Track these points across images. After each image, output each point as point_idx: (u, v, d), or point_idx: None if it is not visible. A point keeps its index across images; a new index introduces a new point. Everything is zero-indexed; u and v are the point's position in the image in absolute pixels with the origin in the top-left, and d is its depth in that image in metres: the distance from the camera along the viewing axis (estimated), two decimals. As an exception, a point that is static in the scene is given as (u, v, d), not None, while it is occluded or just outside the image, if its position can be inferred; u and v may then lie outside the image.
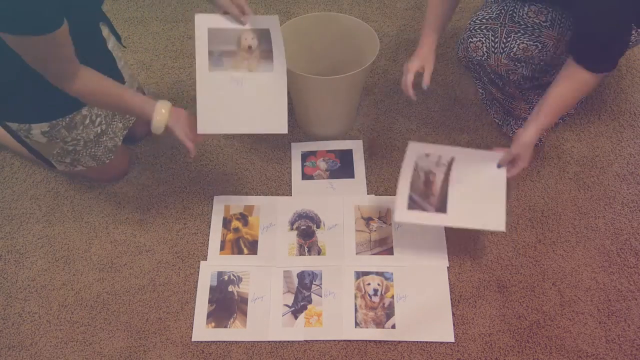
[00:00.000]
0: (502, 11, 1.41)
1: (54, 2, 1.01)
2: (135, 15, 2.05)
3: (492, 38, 1.40)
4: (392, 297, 1.37)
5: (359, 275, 1.40)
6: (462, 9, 2.01)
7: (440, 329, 1.32)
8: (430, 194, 1.36)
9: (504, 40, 1.39)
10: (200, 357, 1.31)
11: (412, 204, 1.34)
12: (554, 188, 1.56)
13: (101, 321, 1.37)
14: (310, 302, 1.37)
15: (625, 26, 1.23)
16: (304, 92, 1.55)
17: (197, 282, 1.41)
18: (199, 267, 1.44)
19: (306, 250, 1.45)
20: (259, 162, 1.65)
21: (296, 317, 1.35)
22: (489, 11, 1.43)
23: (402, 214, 1.34)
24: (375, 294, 1.37)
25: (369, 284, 1.38)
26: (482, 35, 1.41)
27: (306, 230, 1.48)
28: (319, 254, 1.45)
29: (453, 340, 1.31)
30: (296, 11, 2.05)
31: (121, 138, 1.52)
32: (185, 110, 1.36)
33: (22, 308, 1.40)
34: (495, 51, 1.40)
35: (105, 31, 1.38)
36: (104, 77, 1.23)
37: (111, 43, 1.40)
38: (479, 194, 1.34)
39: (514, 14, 1.39)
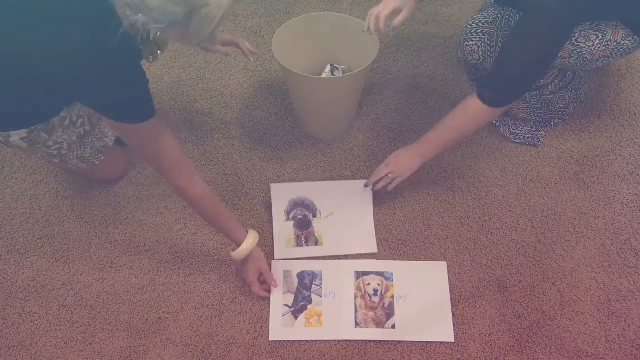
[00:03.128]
0: (499, 15, 1.41)
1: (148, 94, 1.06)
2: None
3: (488, 42, 1.40)
4: (392, 297, 1.37)
5: (359, 275, 1.40)
6: (462, 9, 2.01)
7: (440, 329, 1.32)
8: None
9: (500, 45, 1.39)
10: (200, 357, 1.31)
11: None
12: (554, 188, 1.56)
13: (101, 321, 1.37)
14: (310, 302, 1.37)
15: (540, 65, 1.23)
16: (304, 92, 1.56)
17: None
18: (198, 267, 1.44)
19: (303, 242, 1.46)
20: (259, 162, 1.65)
21: (296, 318, 1.35)
22: (486, 15, 1.43)
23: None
24: (375, 294, 1.37)
25: (369, 284, 1.38)
26: (478, 39, 1.41)
27: (302, 220, 1.49)
28: (316, 244, 1.46)
29: (453, 340, 1.31)
30: (296, 11, 2.05)
31: (112, 139, 1.48)
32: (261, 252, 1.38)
33: (22, 308, 1.40)
34: (491, 55, 1.40)
35: None
36: (211, 190, 1.27)
37: None
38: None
39: (511, 19, 1.39)
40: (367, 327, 1.33)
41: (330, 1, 2.07)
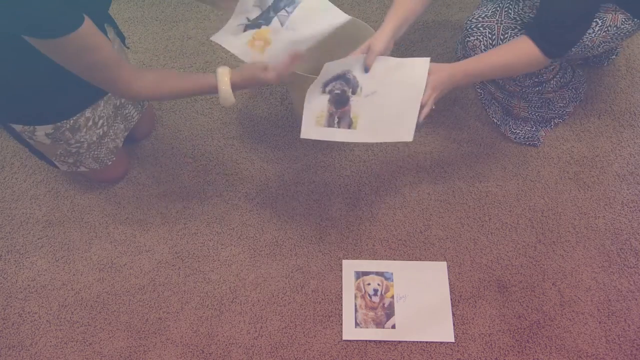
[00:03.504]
0: (498, 8, 1.41)
1: (68, 4, 1.00)
2: (135, 15, 2.05)
3: (490, 35, 1.40)
4: (392, 297, 1.37)
5: (359, 275, 1.40)
6: (462, 9, 2.01)
7: (440, 329, 1.32)
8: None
9: (502, 37, 1.39)
10: (200, 357, 1.31)
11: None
12: (554, 188, 1.56)
13: (101, 321, 1.37)
14: (268, 24, 1.22)
15: (587, 13, 1.23)
16: (304, 92, 1.55)
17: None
18: (198, 267, 1.44)
19: (335, 122, 1.26)
20: (259, 162, 1.65)
21: (244, 31, 1.23)
22: (485, 10, 1.44)
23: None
24: (375, 293, 1.37)
25: (369, 284, 1.38)
26: (479, 34, 1.41)
27: (340, 96, 1.25)
28: (349, 127, 1.26)
29: (453, 340, 1.31)
30: (296, 11, 2.05)
31: (122, 139, 1.53)
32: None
33: (22, 308, 1.40)
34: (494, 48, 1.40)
35: (111, 33, 1.38)
36: (160, 75, 1.22)
37: (116, 45, 1.41)
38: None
39: (510, 10, 1.40)
40: (367, 327, 1.33)
41: (330, 1, 2.07)
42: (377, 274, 1.40)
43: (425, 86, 1.21)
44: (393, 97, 1.24)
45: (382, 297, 1.37)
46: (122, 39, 1.45)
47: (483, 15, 1.42)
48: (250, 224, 1.52)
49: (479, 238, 1.47)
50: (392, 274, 1.40)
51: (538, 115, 1.61)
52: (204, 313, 1.38)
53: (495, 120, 1.66)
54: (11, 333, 1.36)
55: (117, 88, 1.18)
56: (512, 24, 1.39)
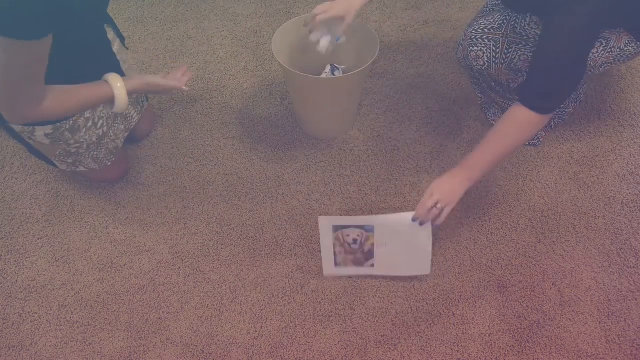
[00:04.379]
0: (505, 21, 1.40)
1: (44, 13, 0.97)
2: (135, 15, 2.05)
3: (494, 48, 1.40)
4: (372, 244, 1.35)
5: (338, 228, 1.36)
6: (462, 9, 2.01)
7: (418, 264, 1.33)
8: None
9: (505, 51, 1.39)
10: (200, 357, 1.31)
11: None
12: (554, 188, 1.56)
13: (101, 321, 1.37)
14: None
15: (578, 66, 1.19)
16: (304, 92, 1.56)
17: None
18: (198, 267, 1.44)
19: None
20: (259, 162, 1.65)
21: None
22: (491, 20, 1.42)
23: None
24: (355, 242, 1.35)
25: (348, 235, 1.35)
26: (483, 45, 1.41)
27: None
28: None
29: (429, 273, 1.32)
30: (296, 11, 2.06)
31: (122, 140, 1.53)
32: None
33: (22, 308, 1.40)
34: (497, 61, 1.40)
35: (110, 34, 1.38)
36: (60, 92, 1.17)
37: (116, 46, 1.41)
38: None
39: (516, 25, 1.39)
40: (346, 266, 1.38)
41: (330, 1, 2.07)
42: (357, 227, 1.35)
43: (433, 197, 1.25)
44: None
45: (362, 245, 1.35)
46: (122, 39, 1.45)
47: (489, 27, 1.41)
48: (250, 224, 1.52)
49: (479, 238, 1.47)
50: (372, 226, 1.35)
51: (538, 115, 1.61)
52: (204, 313, 1.38)
53: (495, 123, 1.66)
54: (11, 333, 1.36)
55: (23, 103, 1.11)
56: (517, 39, 1.38)
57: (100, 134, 1.42)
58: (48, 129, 1.31)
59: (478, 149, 1.26)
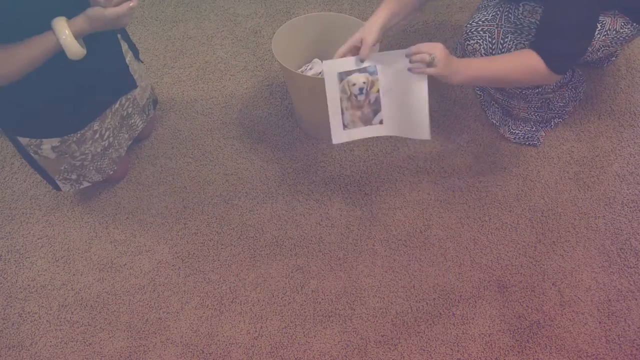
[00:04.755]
0: (498, 12, 1.42)
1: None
2: (135, 15, 2.05)
3: (489, 39, 1.40)
4: (378, 91, 1.33)
5: (343, 76, 1.33)
6: (462, 9, 2.01)
7: (418, 127, 1.31)
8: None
9: (501, 41, 1.39)
10: (200, 357, 1.31)
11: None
12: (554, 188, 1.56)
13: (101, 321, 1.37)
14: None
15: (588, 24, 1.21)
16: (304, 92, 1.56)
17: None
18: (198, 267, 1.44)
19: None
20: (259, 162, 1.65)
21: None
22: (485, 13, 1.44)
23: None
24: (361, 92, 1.33)
25: (354, 85, 1.33)
26: (479, 37, 1.41)
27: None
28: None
29: (429, 138, 1.30)
30: (296, 11, 2.06)
31: (125, 149, 1.53)
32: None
33: (22, 308, 1.40)
34: (493, 52, 1.41)
35: (124, 46, 1.39)
36: (2, 54, 1.10)
37: (129, 57, 1.42)
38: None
39: (510, 15, 1.40)
40: (355, 127, 1.33)
41: (330, 1, 2.07)
42: (361, 71, 1.33)
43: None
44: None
45: (368, 94, 1.33)
46: (136, 52, 1.45)
47: (483, 19, 1.43)
48: (250, 224, 1.52)
49: (479, 238, 1.47)
50: (375, 66, 1.32)
51: (538, 115, 1.61)
52: (204, 313, 1.38)
53: (494, 122, 1.67)
54: (11, 333, 1.36)
55: None
56: (511, 28, 1.39)
57: (106, 145, 1.43)
58: (56, 141, 1.32)
59: (481, 59, 1.28)
